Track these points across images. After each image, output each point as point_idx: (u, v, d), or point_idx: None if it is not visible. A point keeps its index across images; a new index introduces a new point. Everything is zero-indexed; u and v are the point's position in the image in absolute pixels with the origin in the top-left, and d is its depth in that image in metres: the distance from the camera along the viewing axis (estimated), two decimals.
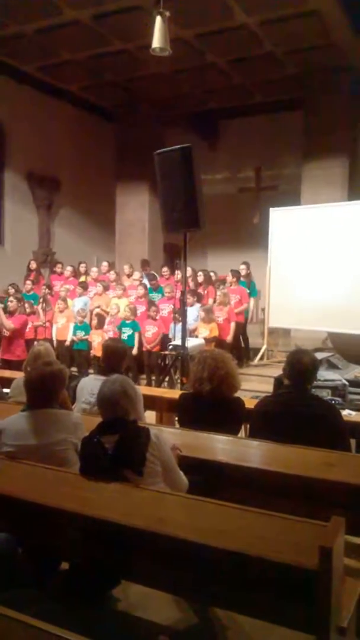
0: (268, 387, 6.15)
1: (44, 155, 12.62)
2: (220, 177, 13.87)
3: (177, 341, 6.97)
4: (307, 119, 10.77)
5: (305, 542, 2.00)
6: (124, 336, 8.06)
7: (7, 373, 5.97)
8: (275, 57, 9.70)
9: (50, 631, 1.80)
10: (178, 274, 8.89)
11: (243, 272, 9.32)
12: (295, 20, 8.36)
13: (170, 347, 7.42)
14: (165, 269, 9.69)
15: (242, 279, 9.21)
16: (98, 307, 8.98)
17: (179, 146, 5.69)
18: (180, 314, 6.97)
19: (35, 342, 7.28)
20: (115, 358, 4.07)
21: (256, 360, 8.89)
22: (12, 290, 8.95)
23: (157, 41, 6.20)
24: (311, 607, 1.89)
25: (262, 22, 8.49)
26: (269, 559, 1.96)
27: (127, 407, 2.69)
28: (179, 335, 7.31)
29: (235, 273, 9.07)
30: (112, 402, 2.66)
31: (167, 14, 6.22)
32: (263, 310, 9.23)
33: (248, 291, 9.20)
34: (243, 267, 9.42)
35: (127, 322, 8.28)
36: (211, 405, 3.42)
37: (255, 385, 7.07)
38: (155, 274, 9.93)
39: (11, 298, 8.09)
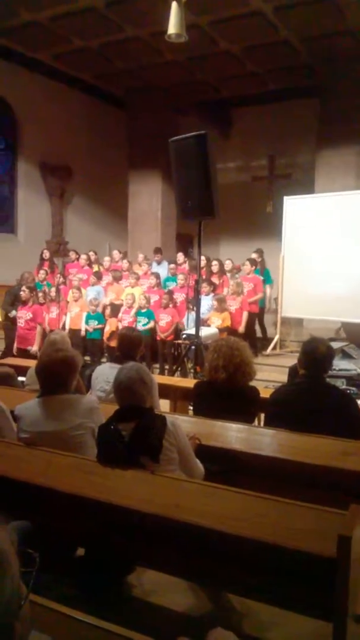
0: (281, 377, 6.15)
1: (56, 144, 12.62)
2: (233, 165, 13.78)
3: (191, 330, 6.96)
4: (322, 107, 10.64)
5: (324, 530, 1.99)
6: (140, 325, 8.07)
7: (22, 362, 6.00)
8: (290, 44, 9.57)
9: (68, 614, 1.82)
10: (186, 264, 8.91)
11: (256, 260, 9.25)
12: (311, 6, 8.23)
13: (184, 336, 7.42)
14: (180, 254, 9.65)
15: (256, 267, 9.15)
16: (109, 303, 8.94)
17: (194, 133, 5.63)
18: (193, 303, 6.95)
19: (49, 331, 7.34)
20: (131, 346, 4.08)
21: (269, 350, 8.86)
22: (26, 275, 9.00)
23: (172, 27, 6.11)
24: (329, 595, 1.89)
25: (277, 8, 8.37)
26: (287, 547, 1.96)
27: (143, 394, 2.69)
28: (191, 324, 7.32)
29: (253, 262, 9.01)
30: (129, 389, 2.67)
31: None
32: (276, 299, 9.18)
33: (262, 279, 9.15)
34: (255, 255, 9.35)
35: (143, 310, 8.30)
36: (226, 394, 3.42)
37: (268, 375, 7.05)
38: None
39: (24, 287, 8.13)
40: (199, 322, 6.26)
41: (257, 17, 8.61)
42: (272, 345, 8.93)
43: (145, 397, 2.71)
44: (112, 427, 2.62)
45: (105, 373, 3.98)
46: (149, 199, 12.30)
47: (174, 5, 6.00)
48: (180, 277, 8.75)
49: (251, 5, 8.29)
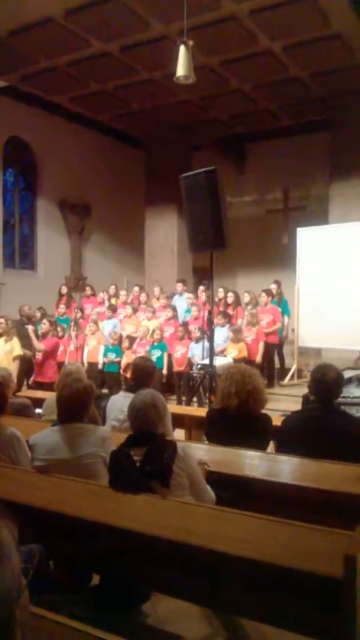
0: (298, 407, 6.12)
1: (75, 183, 12.98)
2: (248, 199, 13.98)
3: (205, 360, 7.01)
4: (333, 139, 10.82)
5: (331, 551, 1.99)
6: (153, 358, 8.12)
7: (39, 394, 6.08)
8: (301, 81, 9.81)
9: (84, 630, 1.85)
10: (203, 295, 8.98)
11: (274, 291, 9.28)
12: (319, 44, 8.44)
13: (199, 366, 7.45)
14: (201, 288, 9.75)
15: (273, 298, 9.18)
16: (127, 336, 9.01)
17: (203, 169, 5.79)
18: (206, 333, 7.01)
19: (66, 363, 7.43)
20: (144, 376, 4.15)
21: (286, 380, 8.84)
22: (38, 314, 9.08)
23: (181, 69, 6.33)
24: (337, 617, 1.89)
25: (286, 47, 8.61)
26: (295, 568, 1.97)
27: (155, 419, 2.75)
28: (200, 354, 7.40)
29: (269, 292, 9.05)
30: (142, 413, 2.75)
31: (191, 43, 6.36)
32: (293, 330, 9.20)
33: (281, 310, 9.16)
34: (274, 286, 9.39)
35: (155, 344, 8.36)
36: (238, 421, 3.44)
37: (285, 405, 7.03)
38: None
39: (44, 321, 8.28)
40: (213, 352, 6.30)
41: (266, 56, 8.86)
42: (289, 375, 8.91)
43: (156, 423, 2.77)
44: (124, 452, 2.68)
45: (119, 403, 4.04)
46: (165, 234, 12.50)
47: (181, 48, 6.23)
48: (194, 309, 8.80)
49: (260, 45, 8.54)
